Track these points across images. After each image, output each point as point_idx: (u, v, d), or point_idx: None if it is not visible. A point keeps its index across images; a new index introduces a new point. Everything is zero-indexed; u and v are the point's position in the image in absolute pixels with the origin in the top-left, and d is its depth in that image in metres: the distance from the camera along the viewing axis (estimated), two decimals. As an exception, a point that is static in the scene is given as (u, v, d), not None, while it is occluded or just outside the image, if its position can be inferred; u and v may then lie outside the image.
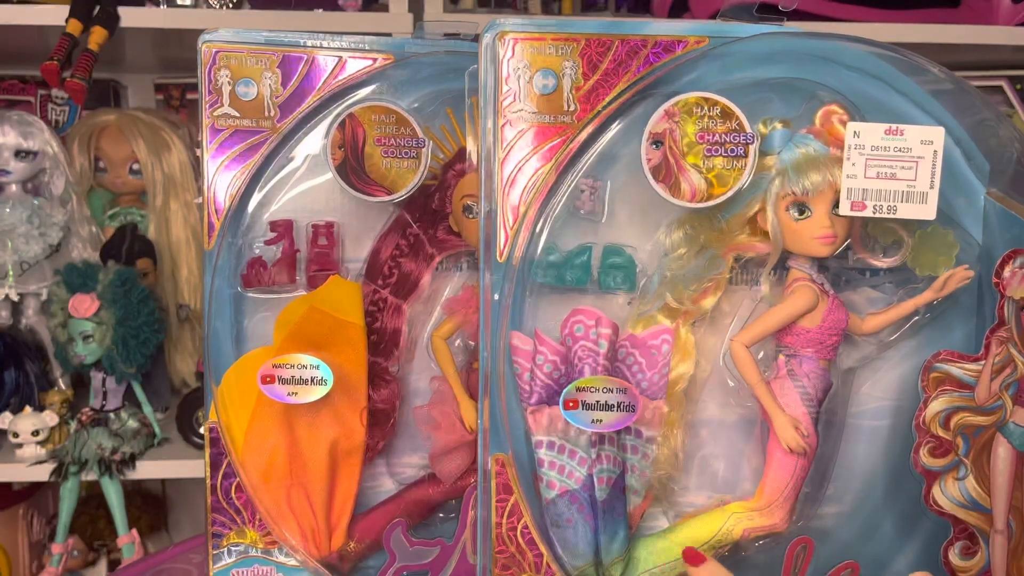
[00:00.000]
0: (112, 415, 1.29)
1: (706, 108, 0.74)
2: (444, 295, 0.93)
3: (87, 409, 1.30)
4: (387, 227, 0.91)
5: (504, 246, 0.76)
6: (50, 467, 1.27)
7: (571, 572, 0.79)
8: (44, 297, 1.32)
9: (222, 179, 0.86)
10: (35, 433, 1.26)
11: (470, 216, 0.87)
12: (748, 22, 0.76)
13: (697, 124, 0.74)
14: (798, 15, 1.11)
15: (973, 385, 0.75)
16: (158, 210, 1.42)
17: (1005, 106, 1.54)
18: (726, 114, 0.74)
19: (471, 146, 0.83)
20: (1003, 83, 1.57)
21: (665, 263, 0.79)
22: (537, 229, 0.77)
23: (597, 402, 0.75)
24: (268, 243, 0.89)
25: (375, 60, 0.86)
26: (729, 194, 0.74)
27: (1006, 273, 0.74)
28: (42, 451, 1.27)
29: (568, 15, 1.60)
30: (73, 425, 1.29)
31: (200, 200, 0.87)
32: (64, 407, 1.33)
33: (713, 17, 0.80)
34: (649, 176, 0.74)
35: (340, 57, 0.86)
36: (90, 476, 1.27)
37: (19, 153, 1.31)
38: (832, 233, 0.75)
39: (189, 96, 1.66)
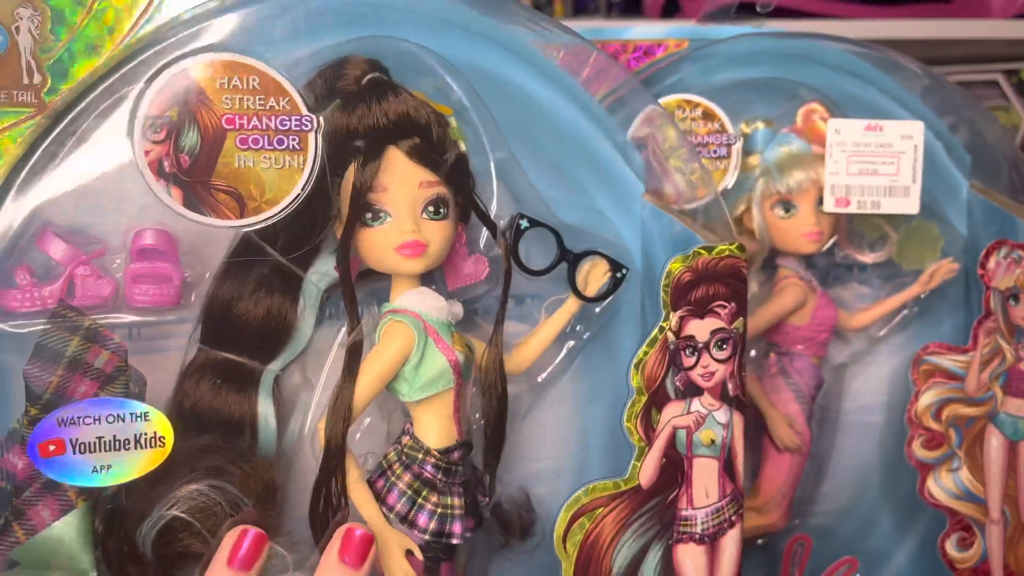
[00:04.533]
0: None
1: (688, 110, 0.74)
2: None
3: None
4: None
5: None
6: None
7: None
8: None
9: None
10: None
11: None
12: (727, 24, 0.77)
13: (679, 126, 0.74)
14: (790, 13, 1.11)
15: (963, 376, 0.75)
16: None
17: (1001, 100, 1.54)
18: (708, 115, 0.74)
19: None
20: (998, 77, 1.57)
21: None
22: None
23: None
24: None
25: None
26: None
27: (991, 264, 0.74)
28: None
29: (560, 17, 1.61)
30: None
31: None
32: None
33: (711, 17, 0.81)
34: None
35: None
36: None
37: None
38: (818, 230, 0.76)
39: None
